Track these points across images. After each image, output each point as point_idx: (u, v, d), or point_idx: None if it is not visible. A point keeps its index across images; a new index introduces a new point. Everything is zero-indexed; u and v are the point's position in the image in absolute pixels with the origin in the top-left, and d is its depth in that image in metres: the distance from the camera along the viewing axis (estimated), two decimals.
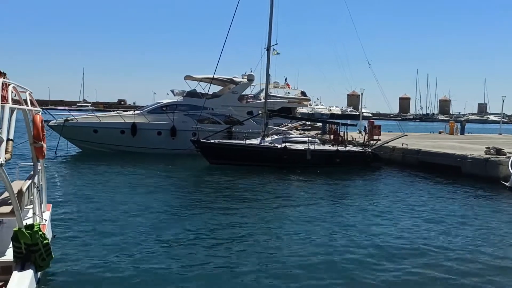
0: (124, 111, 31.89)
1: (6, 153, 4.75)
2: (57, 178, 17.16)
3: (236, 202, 13.75)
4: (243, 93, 30.06)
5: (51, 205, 8.75)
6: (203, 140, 21.82)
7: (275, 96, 30.86)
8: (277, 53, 25.54)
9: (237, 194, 15.13)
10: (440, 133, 40.74)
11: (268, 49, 24.63)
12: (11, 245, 5.38)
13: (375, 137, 25.22)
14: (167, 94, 31.57)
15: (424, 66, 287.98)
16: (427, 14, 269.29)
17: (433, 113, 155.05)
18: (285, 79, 37.16)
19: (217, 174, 19.10)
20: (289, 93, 35.69)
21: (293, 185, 17.70)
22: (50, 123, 24.38)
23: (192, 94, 28.46)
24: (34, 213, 6.71)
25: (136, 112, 28.05)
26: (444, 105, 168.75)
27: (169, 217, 11.40)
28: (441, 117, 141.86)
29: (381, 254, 8.89)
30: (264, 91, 27.89)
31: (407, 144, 23.12)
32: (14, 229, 5.28)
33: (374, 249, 9.24)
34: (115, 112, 29.44)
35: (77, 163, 22.33)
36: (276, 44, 24.99)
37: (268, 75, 25.25)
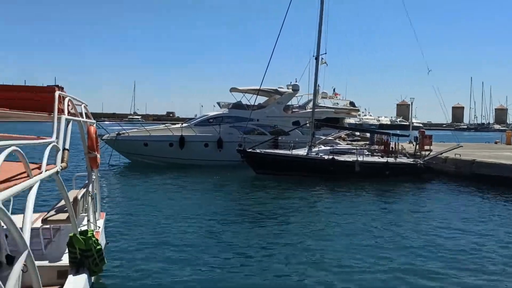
0: (172, 123, 32.67)
1: (62, 161, 4.94)
2: (110, 189, 17.78)
3: (282, 214, 13.58)
4: (289, 103, 30.09)
5: (104, 213, 9.03)
6: (249, 150, 21.93)
7: (322, 107, 30.61)
8: (325, 63, 25.36)
9: (282, 205, 14.94)
10: (496, 143, 38.84)
11: (316, 58, 24.47)
12: (67, 250, 5.59)
13: (426, 147, 24.36)
14: (214, 106, 32.22)
15: (478, 74, 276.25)
16: (480, 21, 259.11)
17: (489, 123, 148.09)
18: (334, 89, 36.82)
19: (262, 184, 19.08)
20: (337, 103, 35.26)
21: (340, 197, 17.31)
22: (103, 137, 25.36)
23: (238, 106, 28.79)
24: (88, 220, 6.96)
25: (184, 125, 28.70)
26: (501, 114, 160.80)
27: (216, 228, 11.40)
28: (497, 126, 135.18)
29: (436, 273, 8.52)
30: (311, 101, 27.76)
31: (460, 155, 22.15)
32: (70, 234, 5.50)
33: (427, 265, 8.88)
34: (164, 125, 30.25)
35: (129, 175, 23.03)
36: (325, 53, 24.84)
37: (316, 85, 25.07)
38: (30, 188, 3.67)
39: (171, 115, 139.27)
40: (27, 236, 3.39)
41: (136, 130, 27.94)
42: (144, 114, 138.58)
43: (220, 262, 8.62)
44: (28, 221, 3.53)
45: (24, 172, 3.76)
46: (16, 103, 5.78)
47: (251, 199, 16.25)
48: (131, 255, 8.84)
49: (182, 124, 29.54)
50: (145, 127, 28.54)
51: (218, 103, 30.95)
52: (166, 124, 30.71)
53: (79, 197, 6.70)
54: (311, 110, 25.96)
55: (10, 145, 3.35)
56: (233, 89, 29.31)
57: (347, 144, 28.46)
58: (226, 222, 12.10)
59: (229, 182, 20.45)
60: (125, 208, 13.79)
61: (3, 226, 5.19)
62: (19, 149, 3.45)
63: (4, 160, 3.10)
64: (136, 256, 8.76)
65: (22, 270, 4.94)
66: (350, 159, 21.54)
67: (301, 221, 12.60)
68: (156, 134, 26.96)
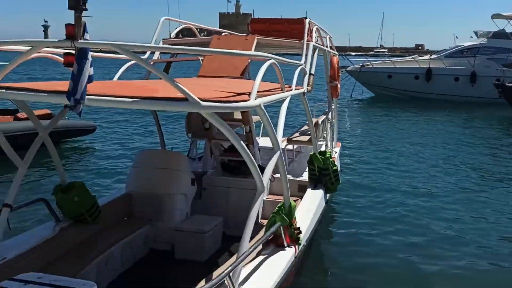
0: (419, 55, 30.79)
1: (308, 85, 5.40)
2: (350, 121, 18.29)
3: None
4: None
5: (340, 143, 9.49)
6: (510, 84, 19.11)
7: None
8: None
9: None
10: None
11: None
12: (307, 169, 6.21)
13: None
14: (471, 37, 28.62)
15: None
16: None
17: None
18: None
19: None
20: None
21: None
22: (347, 69, 25.96)
23: (499, 35, 25.11)
24: (326, 145, 7.48)
25: (433, 56, 26.75)
26: None
27: (462, 179, 9.88)
28: None
29: None
30: None
31: None
32: (310, 153, 6.07)
33: None
34: (410, 57, 28.86)
35: (370, 108, 23.17)
36: None
37: None
38: (283, 101, 4.25)
39: (420, 47, 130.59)
40: (279, 138, 3.91)
41: (380, 61, 27.55)
42: (391, 47, 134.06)
43: (455, 224, 7.30)
44: (281, 126, 4.08)
45: (278, 88, 4.29)
46: (273, 34, 6.52)
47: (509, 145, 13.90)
48: (362, 185, 9.08)
49: (430, 55, 27.57)
50: (391, 59, 27.83)
51: (475, 32, 27.46)
52: (413, 56, 29.20)
53: (319, 121, 7.22)
54: None
55: (270, 58, 3.84)
56: (495, 16, 25.48)
57: None
58: (475, 174, 10.40)
59: (482, 122, 18.35)
60: (362, 141, 13.90)
61: (258, 143, 6.10)
62: (276, 63, 3.93)
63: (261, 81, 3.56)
64: (366, 188, 8.91)
65: (270, 180, 5.80)
66: None
67: None
68: (402, 66, 26.02)
